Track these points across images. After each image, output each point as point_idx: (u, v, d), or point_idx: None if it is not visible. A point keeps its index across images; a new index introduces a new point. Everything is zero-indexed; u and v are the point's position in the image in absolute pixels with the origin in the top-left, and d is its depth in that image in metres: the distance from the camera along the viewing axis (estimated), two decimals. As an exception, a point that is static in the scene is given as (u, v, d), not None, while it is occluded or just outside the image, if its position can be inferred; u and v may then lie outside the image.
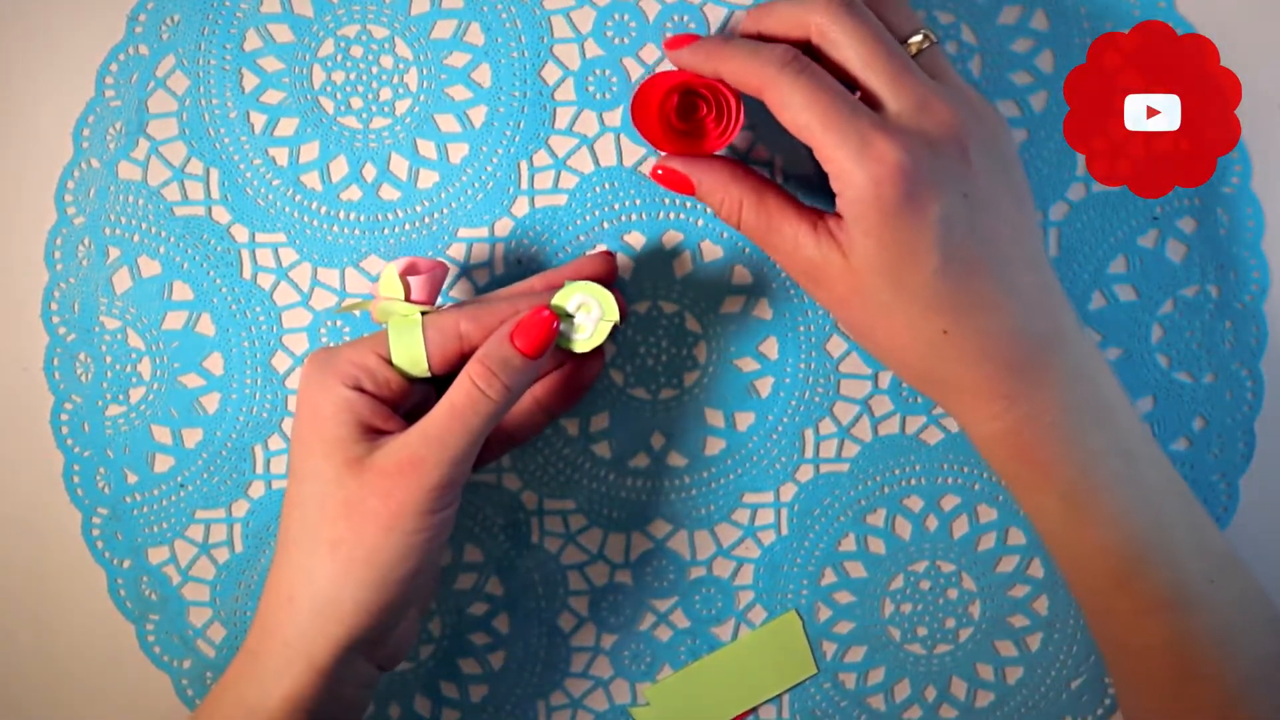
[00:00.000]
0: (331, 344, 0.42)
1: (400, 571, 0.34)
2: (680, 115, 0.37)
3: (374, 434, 0.35)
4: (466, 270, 0.42)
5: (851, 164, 0.32)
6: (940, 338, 0.34)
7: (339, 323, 0.42)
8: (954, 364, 0.34)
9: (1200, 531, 0.36)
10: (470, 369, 0.35)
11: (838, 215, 0.34)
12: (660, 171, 0.37)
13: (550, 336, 0.35)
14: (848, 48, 0.34)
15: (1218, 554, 0.36)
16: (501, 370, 0.34)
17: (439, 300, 0.38)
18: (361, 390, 0.35)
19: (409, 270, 0.37)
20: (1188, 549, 0.35)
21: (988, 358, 0.34)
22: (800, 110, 0.33)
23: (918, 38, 0.35)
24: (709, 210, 0.38)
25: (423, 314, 0.36)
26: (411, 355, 0.35)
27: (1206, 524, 0.36)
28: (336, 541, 0.34)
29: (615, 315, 0.36)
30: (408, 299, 0.36)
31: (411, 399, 0.37)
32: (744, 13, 0.39)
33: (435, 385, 0.37)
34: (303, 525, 0.35)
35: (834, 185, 0.33)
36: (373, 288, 0.37)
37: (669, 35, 0.36)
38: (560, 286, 0.37)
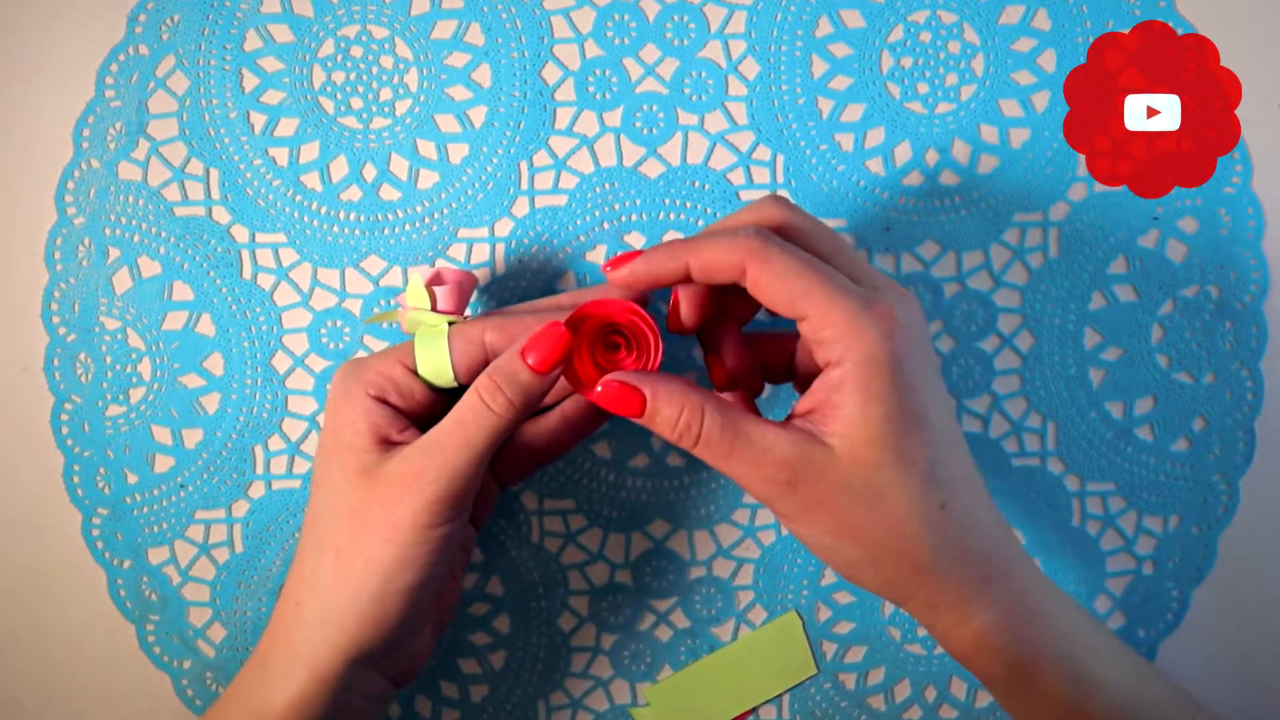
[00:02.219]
0: (331, 344, 0.42)
1: (400, 583, 0.34)
2: (597, 354, 0.34)
3: (389, 445, 0.35)
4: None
5: (860, 321, 0.31)
6: (939, 515, 0.32)
7: (339, 323, 0.42)
8: (951, 545, 0.32)
9: (1142, 671, 0.35)
10: (478, 382, 0.34)
11: (808, 412, 0.33)
12: (601, 389, 0.33)
13: (563, 353, 0.33)
14: (815, 237, 0.33)
15: (1189, 700, 0.36)
16: (507, 384, 0.34)
17: (468, 310, 0.38)
18: (385, 401, 0.35)
19: (435, 280, 0.36)
20: (1167, 697, 0.35)
21: (977, 537, 0.33)
22: (795, 277, 0.31)
23: None
24: (662, 430, 0.33)
25: (450, 324, 0.36)
26: (437, 365, 0.35)
27: (1151, 669, 0.36)
28: (340, 549, 0.34)
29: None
30: (434, 309, 0.36)
31: (436, 409, 0.36)
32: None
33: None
34: (314, 532, 0.35)
35: (834, 349, 0.31)
36: (400, 298, 0.37)
37: (610, 259, 0.34)
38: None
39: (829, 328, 0.31)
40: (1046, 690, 0.33)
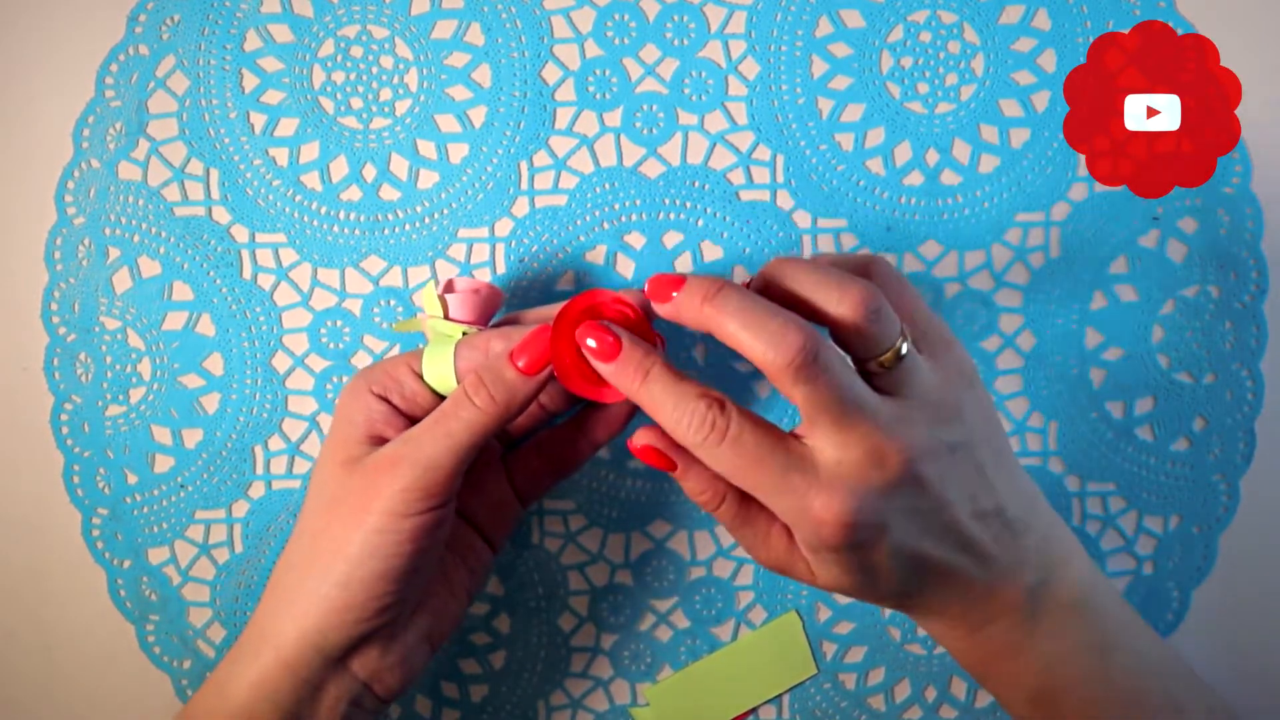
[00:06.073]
0: (331, 344, 0.42)
1: (365, 570, 0.33)
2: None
3: (381, 442, 0.35)
4: (467, 271, 0.42)
5: (792, 519, 0.32)
6: (907, 612, 0.36)
7: (339, 323, 0.42)
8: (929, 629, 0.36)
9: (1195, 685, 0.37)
10: (464, 378, 0.35)
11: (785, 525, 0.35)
12: (640, 447, 0.35)
13: (550, 356, 0.34)
14: (799, 398, 0.32)
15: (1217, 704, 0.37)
16: (492, 382, 0.34)
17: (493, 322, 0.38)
18: (387, 401, 0.36)
19: (447, 289, 0.37)
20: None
21: (957, 604, 0.35)
22: (748, 472, 0.32)
23: (888, 354, 0.33)
24: (685, 491, 0.35)
25: (464, 334, 0.36)
26: (441, 372, 0.35)
27: (1197, 680, 0.37)
28: (316, 534, 0.35)
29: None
30: (446, 317, 0.36)
31: None
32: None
33: None
34: (300, 520, 0.36)
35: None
36: (419, 302, 0.37)
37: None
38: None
39: (777, 510, 0.33)
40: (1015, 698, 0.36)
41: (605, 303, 0.35)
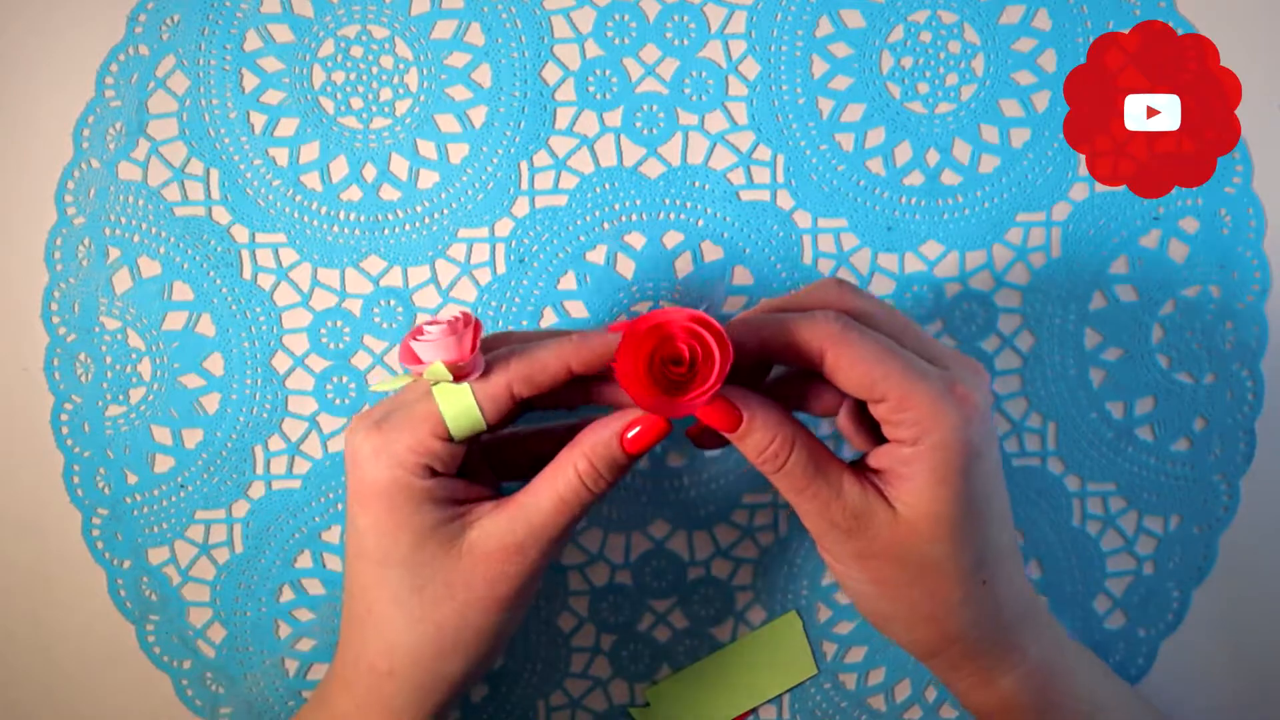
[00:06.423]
0: (331, 344, 0.42)
1: (502, 641, 0.36)
2: (662, 368, 0.32)
3: (456, 505, 0.35)
4: (467, 270, 0.42)
5: (940, 404, 0.31)
6: (980, 590, 0.34)
7: (339, 323, 0.42)
8: (986, 619, 0.34)
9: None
10: (577, 464, 0.34)
11: (875, 470, 0.34)
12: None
13: (659, 438, 0.34)
14: (881, 320, 0.33)
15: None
16: (608, 470, 0.34)
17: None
18: (433, 472, 0.34)
19: (415, 335, 0.34)
20: None
21: (1010, 608, 0.34)
22: (875, 361, 0.32)
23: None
24: (748, 451, 0.34)
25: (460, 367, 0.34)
26: (470, 421, 0.34)
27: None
28: (441, 623, 0.34)
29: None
30: (457, 380, 0.34)
31: (466, 451, 0.36)
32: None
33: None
34: (396, 604, 0.34)
35: (909, 430, 0.32)
36: (416, 371, 0.35)
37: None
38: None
39: (909, 410, 0.32)
40: None
41: (678, 331, 0.32)
